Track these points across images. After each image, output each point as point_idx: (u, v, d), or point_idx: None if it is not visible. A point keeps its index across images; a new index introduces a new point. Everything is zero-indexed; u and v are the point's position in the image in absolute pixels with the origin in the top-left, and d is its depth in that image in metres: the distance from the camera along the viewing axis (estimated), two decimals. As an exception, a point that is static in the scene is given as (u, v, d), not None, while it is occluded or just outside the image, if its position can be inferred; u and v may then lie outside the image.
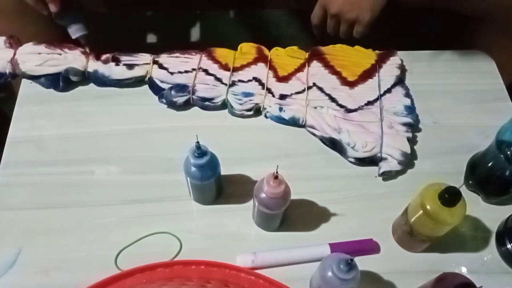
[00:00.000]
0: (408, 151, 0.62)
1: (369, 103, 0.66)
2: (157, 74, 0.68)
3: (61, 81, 0.67)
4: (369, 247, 0.57)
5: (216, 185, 0.57)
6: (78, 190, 0.60)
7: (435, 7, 0.79)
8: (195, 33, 1.29)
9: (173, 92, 0.66)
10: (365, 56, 0.71)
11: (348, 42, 0.72)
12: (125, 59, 0.69)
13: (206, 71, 0.68)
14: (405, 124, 0.65)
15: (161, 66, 0.68)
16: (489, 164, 0.57)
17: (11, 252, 0.55)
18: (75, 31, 0.67)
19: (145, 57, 0.69)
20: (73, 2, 0.66)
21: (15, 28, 0.72)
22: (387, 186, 0.62)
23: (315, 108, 0.66)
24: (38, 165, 0.62)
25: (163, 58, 0.69)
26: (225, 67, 0.69)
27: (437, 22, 0.93)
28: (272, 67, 0.69)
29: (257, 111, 0.67)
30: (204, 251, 0.55)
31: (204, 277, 0.52)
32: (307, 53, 0.72)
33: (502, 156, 0.53)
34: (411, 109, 0.66)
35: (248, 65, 0.69)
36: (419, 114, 0.66)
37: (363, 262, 0.50)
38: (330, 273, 0.46)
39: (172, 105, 0.66)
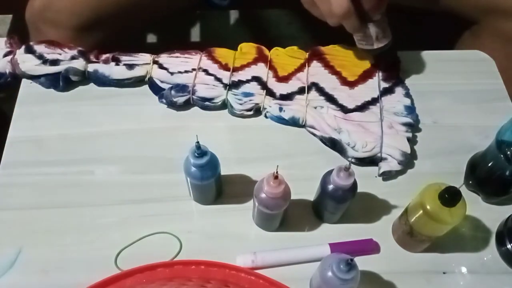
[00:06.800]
0: (408, 151, 0.62)
1: (369, 103, 0.66)
2: (157, 74, 0.68)
3: (61, 81, 0.67)
4: (369, 247, 0.57)
5: (216, 185, 0.57)
6: (78, 190, 0.60)
7: (434, 10, 0.78)
8: (195, 33, 1.29)
9: (173, 92, 0.66)
10: (365, 56, 0.71)
11: (348, 42, 0.72)
12: (125, 59, 0.69)
13: (206, 71, 0.68)
14: (405, 124, 0.65)
15: (161, 66, 0.68)
16: (489, 164, 0.57)
17: (11, 252, 0.55)
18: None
19: (145, 57, 0.69)
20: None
21: None
22: (387, 186, 0.62)
23: (315, 108, 0.66)
24: (38, 165, 0.62)
25: (163, 58, 0.69)
26: (225, 67, 0.69)
27: (437, 23, 0.93)
28: (272, 67, 0.69)
29: (257, 111, 0.67)
30: (204, 251, 0.55)
31: (204, 277, 0.52)
32: (307, 53, 0.72)
33: (502, 156, 0.53)
34: (411, 109, 0.66)
35: (248, 65, 0.69)
36: (419, 114, 0.66)
37: (363, 262, 0.50)
38: (330, 273, 0.46)
39: (172, 105, 0.66)
